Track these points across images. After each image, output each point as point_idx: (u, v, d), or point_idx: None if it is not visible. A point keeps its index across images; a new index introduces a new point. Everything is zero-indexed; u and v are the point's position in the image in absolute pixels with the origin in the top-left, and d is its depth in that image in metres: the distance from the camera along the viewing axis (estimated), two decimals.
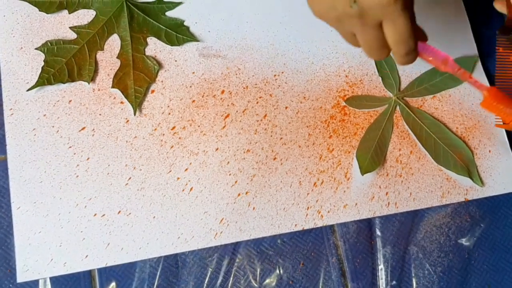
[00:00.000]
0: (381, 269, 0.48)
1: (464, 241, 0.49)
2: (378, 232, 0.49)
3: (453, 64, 0.39)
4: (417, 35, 0.37)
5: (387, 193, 0.49)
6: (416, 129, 0.51)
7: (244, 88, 0.51)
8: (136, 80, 0.50)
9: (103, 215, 0.47)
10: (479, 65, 0.53)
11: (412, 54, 0.37)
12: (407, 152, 0.51)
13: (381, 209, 0.49)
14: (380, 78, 0.52)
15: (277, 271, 0.47)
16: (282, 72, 0.52)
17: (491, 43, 0.53)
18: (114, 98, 0.50)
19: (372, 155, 0.49)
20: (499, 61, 0.44)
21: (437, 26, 0.54)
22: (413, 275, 0.48)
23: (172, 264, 0.47)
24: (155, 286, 0.46)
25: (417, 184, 0.50)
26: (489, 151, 0.51)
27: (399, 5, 0.33)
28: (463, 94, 0.53)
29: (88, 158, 0.48)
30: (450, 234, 0.49)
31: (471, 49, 0.54)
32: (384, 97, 0.52)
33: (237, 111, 0.50)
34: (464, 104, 0.52)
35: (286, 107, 0.51)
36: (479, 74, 0.53)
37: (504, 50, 0.43)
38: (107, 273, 0.46)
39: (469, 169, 0.50)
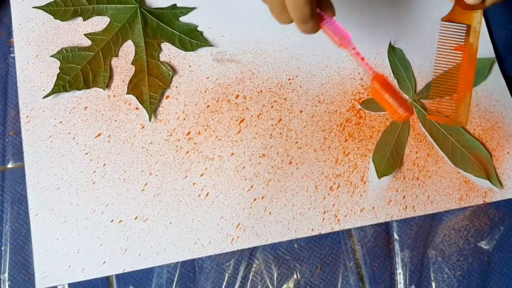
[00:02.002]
0: (400, 273, 0.49)
1: (483, 244, 0.50)
2: (396, 236, 0.49)
3: (349, 43, 0.40)
4: (325, 8, 0.38)
5: (404, 197, 0.50)
6: (433, 132, 0.51)
7: (258, 92, 0.52)
8: (150, 86, 0.51)
9: (120, 221, 0.48)
10: (496, 67, 0.54)
11: (309, 24, 0.38)
12: (424, 154, 0.51)
13: (398, 212, 0.50)
14: (395, 80, 0.53)
15: (295, 276, 0.48)
16: (297, 76, 0.53)
17: (508, 45, 0.54)
18: (129, 104, 0.51)
19: (389, 158, 0.50)
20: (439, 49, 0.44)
21: None
22: (432, 279, 0.49)
23: (189, 270, 0.48)
24: None
25: (435, 187, 0.50)
26: (508, 152, 0.52)
27: None
28: (480, 96, 0.53)
29: (104, 164, 0.49)
30: (469, 237, 0.50)
31: (488, 50, 0.54)
32: None
33: (252, 116, 0.51)
34: (481, 105, 0.53)
35: (301, 111, 0.52)
36: (497, 76, 0.53)
37: (445, 37, 0.43)
38: (124, 279, 0.47)
39: (488, 171, 0.51)
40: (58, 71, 0.51)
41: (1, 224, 0.48)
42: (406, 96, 0.53)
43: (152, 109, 0.50)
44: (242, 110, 0.51)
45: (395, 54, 0.53)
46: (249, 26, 0.54)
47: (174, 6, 0.53)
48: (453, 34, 0.42)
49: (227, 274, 0.48)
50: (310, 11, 0.36)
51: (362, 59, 0.40)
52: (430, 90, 0.44)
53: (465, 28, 0.42)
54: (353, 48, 0.40)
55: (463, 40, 0.42)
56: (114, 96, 0.51)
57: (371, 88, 0.42)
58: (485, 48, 0.55)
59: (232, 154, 0.50)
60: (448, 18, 0.42)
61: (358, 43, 0.53)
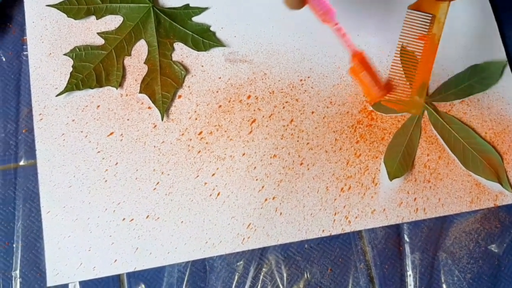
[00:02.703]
0: (410, 276, 0.49)
1: (493, 247, 0.50)
2: (407, 238, 0.50)
3: (333, 18, 0.40)
4: None
5: (415, 199, 0.50)
6: (444, 134, 0.52)
7: (270, 93, 0.53)
8: (163, 86, 0.52)
9: (132, 219, 0.49)
10: (507, 70, 0.54)
11: None
12: (436, 157, 0.52)
13: (409, 215, 0.50)
14: (407, 83, 0.53)
15: (305, 277, 0.48)
16: (308, 77, 0.53)
17: None
18: (142, 103, 0.51)
19: (400, 161, 0.51)
20: (402, 36, 0.44)
21: (465, 30, 0.55)
22: (442, 281, 0.49)
23: (200, 269, 0.48)
24: None
25: (446, 189, 0.51)
26: None
27: None
28: (492, 99, 0.54)
29: (116, 163, 0.50)
30: (479, 240, 0.50)
31: (500, 54, 0.55)
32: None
33: (263, 116, 0.52)
34: (493, 109, 0.53)
35: (313, 112, 0.52)
36: (509, 79, 0.54)
37: (410, 25, 0.43)
38: (135, 277, 0.48)
39: (499, 175, 0.51)
40: (71, 69, 0.51)
41: (13, 221, 0.48)
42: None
43: (165, 109, 0.51)
44: (254, 110, 0.52)
45: (408, 57, 0.54)
46: (261, 27, 0.54)
47: (187, 6, 0.54)
48: (417, 23, 0.43)
49: (237, 274, 0.48)
50: None
51: (344, 35, 0.41)
52: (388, 75, 0.44)
53: (430, 18, 0.42)
54: (335, 23, 0.40)
55: (426, 30, 0.43)
56: (126, 95, 0.52)
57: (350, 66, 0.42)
58: (497, 51, 0.55)
59: (244, 154, 0.51)
60: (415, 7, 0.43)
61: (370, 45, 0.54)
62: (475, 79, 0.53)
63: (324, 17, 0.40)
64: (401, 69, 0.43)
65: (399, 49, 0.44)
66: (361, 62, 0.41)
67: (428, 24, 0.42)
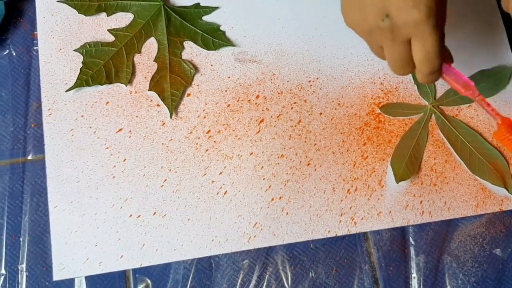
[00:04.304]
0: (414, 278, 0.50)
1: (498, 252, 0.51)
2: (412, 241, 0.51)
3: (474, 89, 0.42)
4: (443, 56, 0.39)
5: (421, 202, 0.52)
6: (451, 138, 0.53)
7: (279, 93, 0.54)
8: (172, 84, 0.53)
9: (139, 216, 0.50)
10: None
11: (436, 74, 0.39)
12: (442, 161, 0.53)
13: (415, 217, 0.51)
14: (415, 86, 0.55)
15: (310, 276, 0.50)
16: (317, 78, 0.55)
17: None
18: (151, 100, 0.53)
19: (407, 163, 0.52)
20: None
21: (474, 36, 0.57)
22: (446, 284, 0.50)
23: (206, 267, 0.49)
24: (188, 287, 0.49)
25: (452, 193, 0.52)
26: None
27: (431, 23, 0.35)
28: (499, 104, 0.55)
29: (124, 159, 0.51)
30: (484, 244, 0.51)
31: (508, 59, 0.56)
32: (420, 105, 0.54)
33: (271, 116, 0.53)
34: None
35: (321, 113, 0.54)
36: None
37: None
38: (141, 273, 0.49)
39: (505, 180, 0.52)
40: (81, 65, 0.53)
41: (20, 215, 0.49)
42: (425, 102, 0.54)
43: (173, 107, 0.52)
44: (262, 110, 0.53)
45: None
46: (271, 27, 0.56)
47: (197, 5, 0.55)
48: None
49: (242, 272, 0.49)
50: (440, 63, 0.38)
51: (488, 104, 0.44)
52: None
53: None
54: (478, 95, 0.42)
55: None
56: (136, 92, 0.53)
57: (495, 131, 0.48)
58: (504, 57, 0.56)
59: (251, 153, 0.52)
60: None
61: None
62: (483, 84, 0.55)
63: (465, 91, 0.42)
64: None
65: None
66: (509, 128, 0.45)
67: None
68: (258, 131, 0.53)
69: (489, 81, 0.55)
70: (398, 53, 0.38)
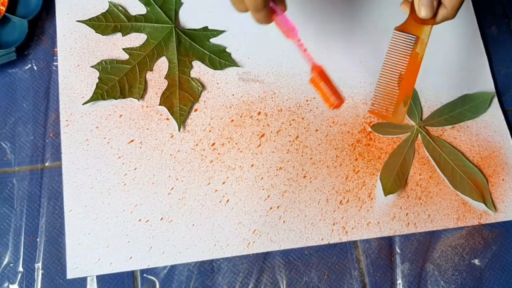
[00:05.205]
0: (399, 284, 0.55)
1: (477, 262, 0.56)
2: (398, 250, 0.56)
3: (295, 35, 0.48)
4: (278, 2, 0.45)
5: (407, 214, 0.57)
6: (435, 156, 0.58)
7: (278, 110, 0.59)
8: (181, 99, 0.58)
9: (147, 220, 0.54)
10: (495, 101, 0.61)
11: (262, 12, 0.44)
12: (427, 177, 0.58)
13: (401, 228, 0.56)
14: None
15: (304, 281, 0.54)
16: (314, 98, 0.60)
17: (507, 81, 0.62)
18: (161, 114, 0.58)
19: (395, 178, 0.57)
20: (388, 54, 0.51)
21: (457, 63, 0.62)
22: None
23: (208, 269, 0.54)
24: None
25: (435, 207, 0.57)
26: (502, 179, 0.59)
27: None
28: (480, 126, 0.60)
29: (135, 168, 0.56)
30: (464, 254, 0.56)
31: (489, 85, 0.62)
32: (407, 125, 0.59)
33: (271, 131, 0.58)
34: (480, 135, 0.60)
35: (317, 130, 0.59)
36: (496, 109, 0.61)
37: (395, 45, 0.50)
38: (148, 273, 0.53)
39: (484, 195, 0.57)
40: (97, 80, 0.57)
41: (38, 218, 0.54)
42: (412, 123, 0.60)
43: (182, 120, 0.57)
44: (263, 126, 0.58)
45: None
46: (273, 50, 0.61)
47: (205, 28, 0.61)
48: (402, 43, 0.49)
49: (242, 275, 0.54)
50: (263, 2, 0.43)
51: (305, 50, 0.48)
52: (374, 91, 0.51)
53: (414, 39, 0.49)
54: (298, 40, 0.48)
55: (410, 49, 0.49)
56: (147, 106, 0.58)
57: (311, 77, 0.49)
58: (486, 83, 0.62)
59: (252, 165, 0.57)
60: (401, 28, 0.49)
61: (371, 73, 0.60)
62: (465, 107, 0.60)
63: (288, 34, 0.48)
64: (389, 85, 0.50)
65: (385, 67, 0.50)
66: (320, 74, 0.48)
67: (412, 44, 0.49)
68: (259, 145, 0.58)
69: (471, 104, 0.61)
70: None
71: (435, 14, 0.46)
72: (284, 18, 0.47)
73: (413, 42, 0.49)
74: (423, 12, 0.46)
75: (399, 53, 0.49)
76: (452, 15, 0.46)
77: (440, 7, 0.46)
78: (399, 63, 0.49)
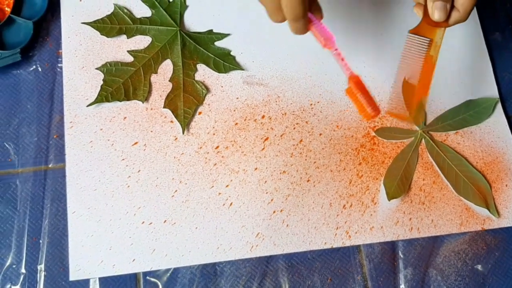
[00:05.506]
0: None
1: (479, 267, 0.56)
2: (401, 254, 0.56)
3: (333, 44, 0.47)
4: (314, 11, 0.45)
5: (410, 219, 0.57)
6: (439, 161, 0.59)
7: (282, 114, 0.59)
8: (185, 102, 0.58)
9: (150, 223, 0.54)
10: (499, 106, 0.61)
11: (300, 22, 0.44)
12: (430, 182, 0.58)
13: (404, 233, 0.56)
14: (407, 113, 0.60)
15: (307, 285, 0.54)
16: (318, 102, 0.60)
17: (511, 87, 0.62)
18: (165, 117, 0.58)
19: (398, 183, 0.57)
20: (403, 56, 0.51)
21: (462, 69, 0.63)
22: None
23: (211, 272, 0.54)
24: None
25: (438, 212, 0.57)
26: (506, 185, 0.59)
27: None
28: (484, 132, 0.61)
29: (139, 171, 0.56)
30: (467, 259, 0.56)
31: (492, 90, 0.62)
32: (411, 130, 0.60)
33: (275, 135, 0.58)
34: (484, 141, 0.60)
35: (320, 134, 0.59)
36: (499, 115, 0.61)
37: (410, 47, 0.50)
38: (151, 276, 0.53)
39: (487, 201, 0.58)
40: (102, 82, 0.58)
41: (41, 219, 0.54)
42: (416, 127, 0.60)
43: (186, 123, 0.57)
44: (267, 129, 0.58)
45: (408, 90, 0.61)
46: (277, 54, 0.61)
47: (210, 32, 0.61)
48: (417, 45, 0.50)
49: (244, 278, 0.54)
50: (302, 11, 0.43)
51: (342, 59, 0.48)
52: (391, 93, 0.51)
53: (428, 41, 0.49)
54: (335, 49, 0.47)
55: (425, 52, 0.49)
56: (151, 109, 0.58)
57: (347, 87, 0.49)
58: (490, 89, 0.62)
59: (256, 169, 0.57)
60: (414, 31, 0.50)
61: (375, 79, 0.61)
62: (469, 113, 0.60)
63: (326, 43, 0.47)
64: (405, 87, 0.50)
65: (401, 70, 0.50)
66: (357, 84, 0.48)
67: (426, 47, 0.49)
68: (263, 148, 0.58)
69: (475, 110, 0.61)
70: (270, 1, 0.43)
71: (447, 17, 0.47)
72: (321, 26, 0.46)
73: (427, 44, 0.49)
74: (436, 15, 0.47)
75: (414, 56, 0.49)
76: (465, 18, 0.47)
77: (453, 10, 0.47)
78: (414, 65, 0.49)
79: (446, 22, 0.47)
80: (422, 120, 0.49)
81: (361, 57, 0.62)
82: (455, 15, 0.47)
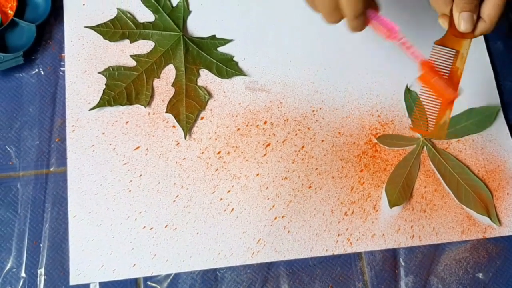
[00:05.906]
0: None
1: (481, 276, 0.56)
2: (402, 262, 0.56)
3: (397, 34, 0.46)
4: (371, 4, 0.44)
5: (412, 226, 0.57)
6: (441, 169, 0.59)
7: (284, 120, 0.59)
8: (187, 107, 0.58)
9: (151, 228, 0.54)
10: (501, 115, 0.62)
11: (360, 19, 0.43)
12: (432, 189, 0.58)
13: (406, 240, 0.56)
14: (409, 120, 0.60)
15: None
16: (320, 108, 0.60)
17: None
18: (167, 122, 0.58)
19: (400, 190, 0.57)
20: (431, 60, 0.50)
21: (464, 77, 0.63)
22: None
23: (211, 278, 0.54)
24: None
25: (440, 220, 0.57)
26: (507, 193, 0.59)
27: None
28: (485, 140, 0.61)
29: (140, 175, 0.56)
30: (468, 268, 0.57)
31: (494, 99, 0.62)
32: (413, 137, 0.60)
33: (277, 141, 0.59)
34: (486, 149, 0.60)
35: (322, 140, 0.59)
36: (501, 123, 0.61)
37: (435, 59, 0.49)
38: (151, 281, 0.53)
39: (488, 209, 0.58)
40: (104, 87, 0.58)
41: (41, 223, 0.54)
42: (418, 135, 0.60)
43: (188, 128, 0.57)
44: (269, 135, 0.59)
45: (410, 97, 0.61)
46: (280, 60, 0.61)
47: (213, 37, 0.61)
48: (442, 57, 0.49)
49: (245, 285, 0.54)
50: (363, 6, 0.42)
51: (409, 47, 0.46)
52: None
53: (454, 53, 0.49)
54: (401, 38, 0.46)
55: (451, 64, 0.49)
56: (153, 113, 0.58)
57: (418, 74, 0.47)
58: (492, 97, 0.63)
59: (257, 174, 0.57)
60: (440, 42, 0.49)
61: (378, 85, 0.61)
62: (471, 121, 0.61)
63: (389, 34, 0.46)
64: (429, 100, 0.49)
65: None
66: (431, 69, 0.47)
67: (452, 58, 0.48)
68: (265, 154, 0.58)
69: (477, 118, 0.61)
70: (326, 1, 0.43)
71: (474, 28, 0.46)
72: (380, 19, 0.45)
73: (453, 56, 0.48)
74: (463, 26, 0.46)
75: (440, 68, 0.48)
76: (491, 29, 0.46)
77: (479, 20, 0.46)
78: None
79: (472, 33, 0.47)
80: (445, 134, 0.48)
81: (338, 59, 0.62)
82: (481, 26, 0.46)
